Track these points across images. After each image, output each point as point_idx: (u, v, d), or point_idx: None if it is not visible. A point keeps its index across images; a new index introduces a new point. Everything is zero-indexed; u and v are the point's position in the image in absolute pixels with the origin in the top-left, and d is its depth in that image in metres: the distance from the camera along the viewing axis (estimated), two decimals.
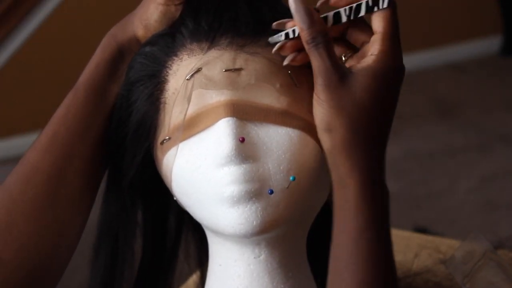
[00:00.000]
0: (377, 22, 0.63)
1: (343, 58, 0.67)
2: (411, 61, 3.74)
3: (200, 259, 0.89)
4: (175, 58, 0.69)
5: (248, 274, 0.72)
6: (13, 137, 3.09)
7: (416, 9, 3.74)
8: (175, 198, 0.72)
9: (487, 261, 0.80)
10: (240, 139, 0.65)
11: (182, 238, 0.86)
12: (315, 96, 0.63)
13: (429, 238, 1.11)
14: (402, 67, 0.63)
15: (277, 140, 0.67)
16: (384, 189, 0.63)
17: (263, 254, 0.72)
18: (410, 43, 3.75)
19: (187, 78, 0.68)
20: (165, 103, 0.70)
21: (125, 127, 0.72)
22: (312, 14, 0.63)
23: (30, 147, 0.71)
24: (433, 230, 2.06)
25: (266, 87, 0.67)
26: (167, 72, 0.70)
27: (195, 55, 0.69)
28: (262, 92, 0.67)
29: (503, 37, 3.90)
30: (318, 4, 0.66)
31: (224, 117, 0.66)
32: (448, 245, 1.05)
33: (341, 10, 0.64)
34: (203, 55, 0.68)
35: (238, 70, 0.67)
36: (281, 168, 0.67)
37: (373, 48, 0.63)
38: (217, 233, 0.70)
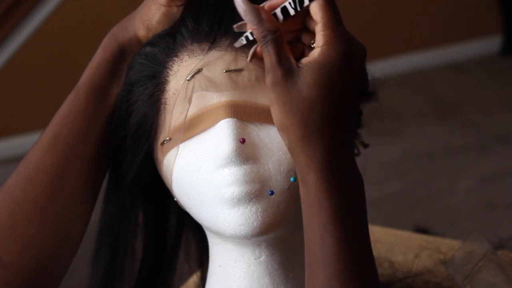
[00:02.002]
0: (315, 13, 0.62)
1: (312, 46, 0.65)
2: (411, 61, 3.74)
3: (201, 259, 0.89)
4: (175, 58, 0.69)
5: (249, 275, 0.72)
6: (13, 137, 3.09)
7: (416, 9, 3.74)
8: (175, 199, 0.72)
9: (487, 262, 0.80)
10: (241, 140, 0.65)
11: (183, 239, 0.86)
12: (268, 96, 0.62)
13: (430, 238, 1.11)
14: (349, 54, 0.61)
15: (278, 141, 0.67)
16: (349, 179, 0.62)
17: (264, 255, 0.72)
18: (410, 43, 3.76)
19: (187, 79, 0.68)
20: (165, 103, 0.70)
21: (125, 127, 0.72)
22: (259, 14, 0.62)
23: (32, 147, 0.71)
24: (433, 231, 2.06)
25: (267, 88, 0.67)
26: (167, 72, 0.70)
27: (195, 56, 0.69)
28: (263, 93, 0.67)
29: (503, 37, 3.90)
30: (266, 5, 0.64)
31: (225, 118, 0.66)
32: (448, 245, 1.05)
33: (286, 3, 0.63)
34: (204, 55, 0.68)
35: (239, 71, 0.67)
36: (282, 169, 0.67)
37: (317, 40, 0.61)
38: (217, 234, 0.70)
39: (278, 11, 0.63)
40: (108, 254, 0.77)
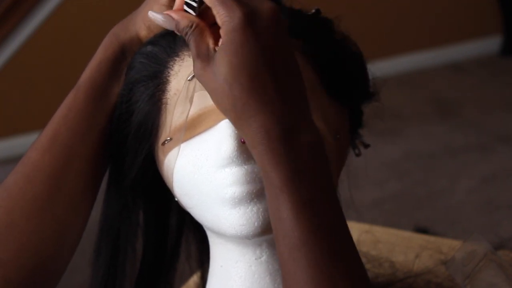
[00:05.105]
0: None
1: None
2: (411, 61, 3.74)
3: (201, 259, 0.89)
4: (176, 58, 0.69)
5: (250, 275, 0.72)
6: (13, 137, 3.09)
7: (416, 9, 3.74)
8: (176, 199, 0.72)
9: (488, 262, 0.80)
10: (242, 140, 0.65)
11: (183, 238, 0.86)
12: None
13: (430, 238, 1.11)
14: (247, 23, 0.58)
15: None
16: (297, 143, 0.58)
17: (265, 255, 0.72)
18: (410, 43, 3.76)
19: (188, 79, 0.68)
20: (166, 103, 0.69)
21: (126, 127, 0.71)
22: (170, 17, 0.63)
23: (31, 146, 0.71)
24: (434, 231, 2.06)
25: None
26: (168, 72, 0.69)
27: None
28: None
29: (503, 37, 3.91)
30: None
31: (226, 118, 0.66)
32: (449, 245, 1.05)
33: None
34: None
35: None
36: None
37: (218, 22, 0.61)
38: (218, 234, 0.70)
39: (185, 7, 0.64)
40: (109, 253, 0.77)
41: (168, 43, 0.70)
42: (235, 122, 0.60)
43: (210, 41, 0.61)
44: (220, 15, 0.60)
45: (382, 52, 3.61)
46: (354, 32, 0.76)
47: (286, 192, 0.58)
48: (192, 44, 0.62)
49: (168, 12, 0.65)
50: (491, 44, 3.92)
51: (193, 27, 0.62)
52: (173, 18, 0.64)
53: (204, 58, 0.60)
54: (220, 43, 0.60)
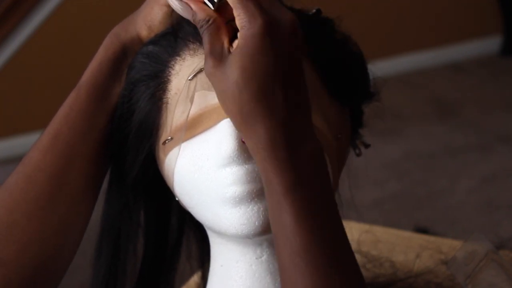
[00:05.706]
0: None
1: None
2: (411, 61, 3.74)
3: (202, 259, 0.89)
4: (177, 58, 0.69)
5: (250, 275, 0.72)
6: (13, 137, 3.09)
7: (416, 9, 3.74)
8: (177, 199, 0.72)
9: (489, 261, 0.80)
10: (242, 140, 0.65)
11: (184, 238, 0.86)
12: None
13: (431, 238, 1.11)
14: (267, 29, 0.59)
15: None
16: (300, 152, 0.59)
17: (265, 254, 0.72)
18: (410, 43, 3.76)
19: (189, 78, 0.68)
20: (167, 103, 0.70)
21: (127, 126, 0.71)
22: (189, 7, 0.63)
23: (32, 146, 0.71)
24: (434, 231, 2.06)
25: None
26: (169, 72, 0.70)
27: (197, 55, 0.68)
28: None
29: (503, 37, 3.91)
30: None
31: (227, 117, 0.66)
32: (449, 245, 1.05)
33: None
34: None
35: None
36: None
37: (237, 25, 0.61)
38: (219, 233, 0.70)
39: (205, 0, 0.63)
40: (110, 253, 0.77)
41: (169, 42, 0.70)
42: (240, 126, 0.60)
43: (225, 40, 0.61)
44: (241, 18, 0.60)
45: (382, 52, 3.61)
46: (354, 32, 0.77)
47: (289, 199, 0.59)
48: (206, 40, 0.61)
49: (188, 1, 0.64)
50: (491, 44, 3.92)
51: (210, 22, 0.62)
52: (191, 8, 0.63)
53: (217, 57, 0.60)
54: (235, 45, 0.60)
